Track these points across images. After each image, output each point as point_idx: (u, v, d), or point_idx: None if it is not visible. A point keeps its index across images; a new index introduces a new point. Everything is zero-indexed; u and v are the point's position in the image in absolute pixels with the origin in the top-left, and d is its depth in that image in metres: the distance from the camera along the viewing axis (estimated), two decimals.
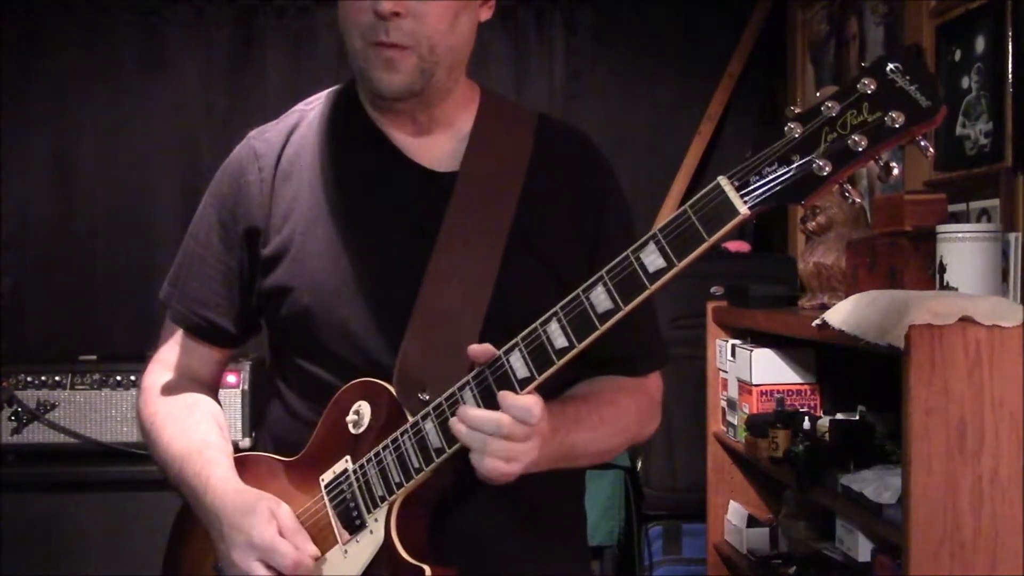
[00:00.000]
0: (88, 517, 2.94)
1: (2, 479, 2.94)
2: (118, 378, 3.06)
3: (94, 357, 3.16)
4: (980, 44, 2.38)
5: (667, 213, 3.69)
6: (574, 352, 1.13)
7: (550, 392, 1.24)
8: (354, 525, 1.27)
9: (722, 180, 1.06)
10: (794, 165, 1.02)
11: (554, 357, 1.13)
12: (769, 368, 2.66)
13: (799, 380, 2.66)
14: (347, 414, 1.29)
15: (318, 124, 1.38)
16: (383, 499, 1.25)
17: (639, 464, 3.25)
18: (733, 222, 1.05)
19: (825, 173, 1.01)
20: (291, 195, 1.34)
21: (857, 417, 2.36)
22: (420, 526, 1.28)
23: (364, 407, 1.28)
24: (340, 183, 1.34)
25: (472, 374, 1.19)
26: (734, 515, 2.90)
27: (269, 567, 1.23)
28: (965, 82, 2.44)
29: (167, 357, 1.46)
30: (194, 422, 1.39)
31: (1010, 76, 2.25)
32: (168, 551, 1.47)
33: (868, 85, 1.01)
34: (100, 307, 3.63)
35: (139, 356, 3.12)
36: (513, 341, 1.16)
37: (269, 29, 3.64)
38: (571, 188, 1.38)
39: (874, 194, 2.95)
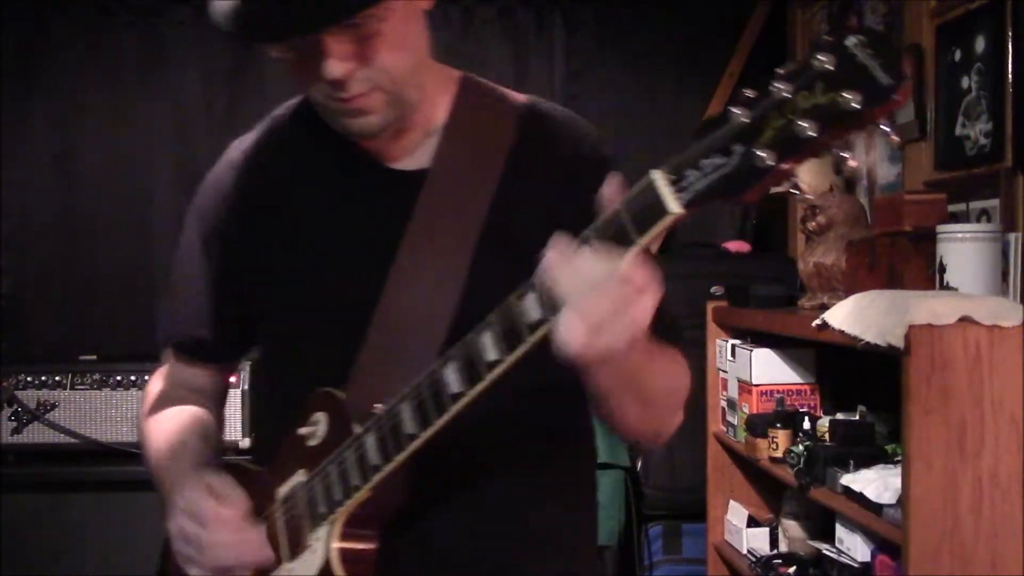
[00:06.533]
0: (88, 517, 2.94)
1: (2, 479, 2.94)
2: (118, 378, 3.06)
3: (94, 357, 3.16)
4: (980, 44, 2.38)
5: None
6: (504, 366, 1.01)
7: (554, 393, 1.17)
8: (305, 542, 1.20)
9: (655, 174, 0.93)
10: (734, 156, 0.88)
11: (484, 371, 1.02)
12: (769, 368, 2.66)
13: (799, 380, 2.66)
14: (306, 425, 1.23)
15: (289, 129, 1.33)
16: (324, 517, 1.17)
17: (639, 464, 3.25)
18: (664, 222, 0.93)
19: (767, 165, 0.86)
20: (263, 206, 1.29)
21: (857, 417, 2.36)
22: (368, 549, 1.18)
23: (321, 419, 1.21)
24: (308, 191, 1.28)
25: (408, 388, 1.10)
26: (734, 515, 2.90)
27: (198, 527, 1.19)
28: (965, 82, 2.44)
29: (166, 368, 1.45)
30: (177, 430, 1.36)
31: (1010, 76, 2.25)
32: (159, 567, 1.42)
33: (824, 61, 0.84)
34: (100, 307, 3.63)
35: (139, 356, 3.14)
36: (448, 353, 1.06)
37: None
38: (557, 182, 1.25)
39: (874, 194, 2.96)
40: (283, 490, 1.24)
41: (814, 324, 2.07)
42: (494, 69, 3.63)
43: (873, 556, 2.11)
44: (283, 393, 1.31)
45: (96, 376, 3.07)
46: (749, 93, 0.89)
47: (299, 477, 1.22)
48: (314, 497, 1.19)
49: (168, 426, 1.37)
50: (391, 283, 1.20)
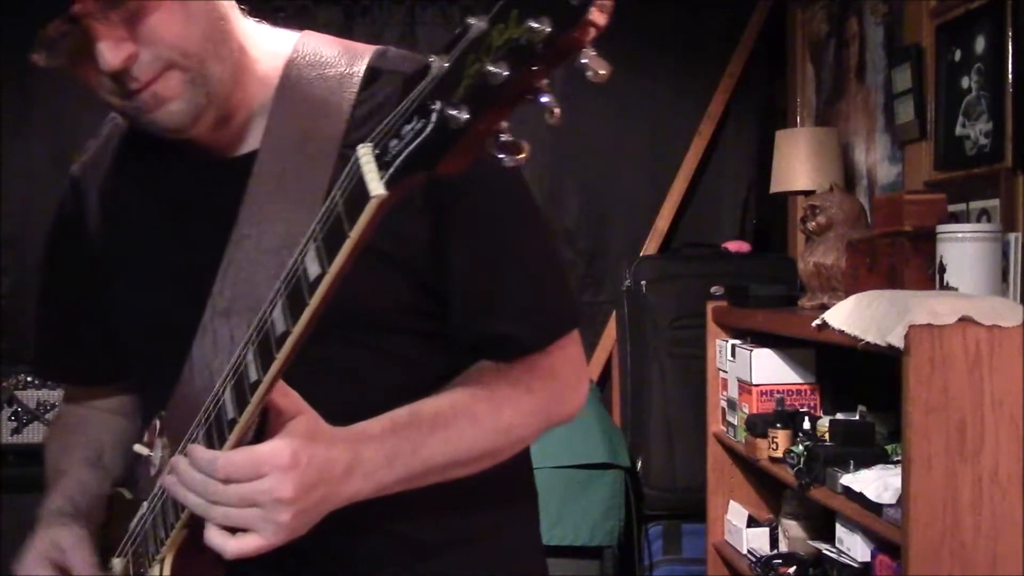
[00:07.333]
0: None
1: (2, 479, 2.94)
2: None
3: None
4: (980, 44, 2.38)
5: (667, 214, 3.70)
6: (264, 386, 0.89)
7: (414, 390, 1.05)
8: None
9: (361, 150, 0.77)
10: (431, 116, 0.72)
11: (248, 394, 0.90)
12: (769, 368, 2.66)
13: (799, 380, 2.66)
14: (148, 450, 1.11)
15: (123, 136, 1.19)
16: (154, 557, 1.05)
17: (639, 464, 3.25)
18: (370, 209, 0.76)
19: (462, 124, 0.70)
20: (105, 216, 1.18)
21: (857, 417, 2.37)
22: None
23: (158, 444, 1.09)
24: (141, 199, 1.15)
25: (201, 411, 0.97)
26: (734, 515, 2.90)
27: None
28: (965, 82, 2.44)
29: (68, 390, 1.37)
30: (63, 449, 1.26)
31: (1010, 76, 2.25)
32: None
33: None
34: None
35: None
36: (226, 376, 0.94)
37: None
38: None
39: (874, 194, 2.96)
40: (133, 522, 1.11)
41: (814, 324, 2.07)
42: None
43: (873, 556, 2.11)
44: (144, 411, 1.21)
45: None
46: (458, 31, 0.72)
47: (142, 510, 1.09)
48: (146, 534, 1.07)
49: (55, 451, 1.27)
50: (216, 286, 1.06)
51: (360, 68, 1.08)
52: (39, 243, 1.27)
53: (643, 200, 3.73)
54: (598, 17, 0.65)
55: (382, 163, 0.75)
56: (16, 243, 3.60)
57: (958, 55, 2.47)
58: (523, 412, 1.09)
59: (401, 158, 0.74)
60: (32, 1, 1.06)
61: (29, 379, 3.06)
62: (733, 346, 2.82)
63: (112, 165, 1.18)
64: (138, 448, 1.10)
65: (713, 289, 3.05)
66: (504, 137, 0.71)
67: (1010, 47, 2.26)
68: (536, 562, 1.24)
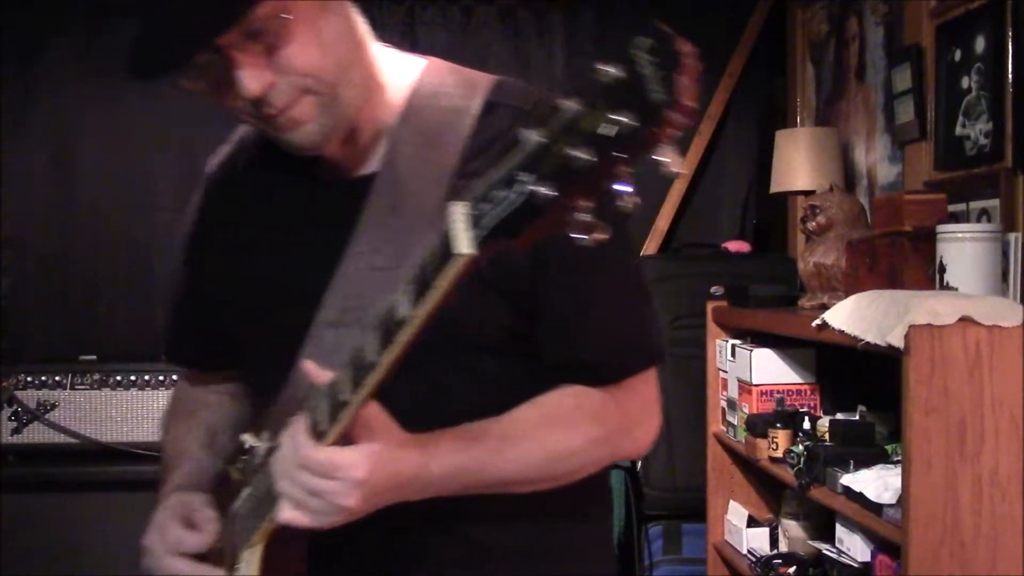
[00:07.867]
0: (88, 517, 2.94)
1: (2, 479, 2.94)
2: (118, 378, 3.06)
3: (94, 357, 3.16)
4: (980, 44, 2.38)
5: (667, 214, 3.70)
6: (352, 408, 0.95)
7: (498, 408, 1.10)
8: (236, 565, 1.14)
9: (458, 207, 0.80)
10: (518, 187, 0.75)
11: (338, 410, 0.96)
12: (769, 368, 2.66)
13: (799, 380, 2.66)
14: (256, 438, 1.18)
15: (254, 144, 1.25)
16: (246, 540, 1.12)
17: (639, 464, 3.25)
18: (456, 267, 0.81)
19: (546, 200, 0.73)
20: (229, 223, 1.25)
21: (857, 417, 2.37)
22: (298, 573, 1.11)
23: (264, 437, 1.15)
24: (266, 208, 1.22)
25: (302, 408, 1.04)
26: (734, 515, 2.90)
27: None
28: (965, 82, 2.44)
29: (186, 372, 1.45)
30: (181, 436, 1.34)
31: (1010, 76, 2.25)
32: None
33: (608, 72, 0.71)
34: (100, 307, 3.63)
35: (139, 356, 3.15)
36: (323, 386, 1.00)
37: None
38: None
39: (874, 194, 2.96)
40: (236, 504, 1.17)
41: (814, 324, 2.07)
42: (494, 69, 3.62)
43: (873, 556, 2.11)
44: (257, 404, 1.28)
45: (96, 376, 3.07)
46: (551, 107, 0.75)
47: (244, 493, 1.16)
48: (242, 518, 1.14)
49: (175, 432, 1.36)
50: (327, 297, 1.12)
51: (477, 101, 1.13)
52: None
53: (643, 200, 3.71)
54: (679, 118, 0.70)
55: (475, 223, 0.79)
56: (16, 243, 3.59)
57: (958, 55, 2.47)
58: (589, 441, 1.13)
59: (491, 222, 0.77)
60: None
61: (29, 379, 3.06)
62: (733, 346, 2.82)
63: (243, 171, 1.25)
64: (245, 438, 1.16)
65: (713, 289, 3.05)
66: (582, 216, 0.74)
67: (1010, 47, 2.26)
68: None
